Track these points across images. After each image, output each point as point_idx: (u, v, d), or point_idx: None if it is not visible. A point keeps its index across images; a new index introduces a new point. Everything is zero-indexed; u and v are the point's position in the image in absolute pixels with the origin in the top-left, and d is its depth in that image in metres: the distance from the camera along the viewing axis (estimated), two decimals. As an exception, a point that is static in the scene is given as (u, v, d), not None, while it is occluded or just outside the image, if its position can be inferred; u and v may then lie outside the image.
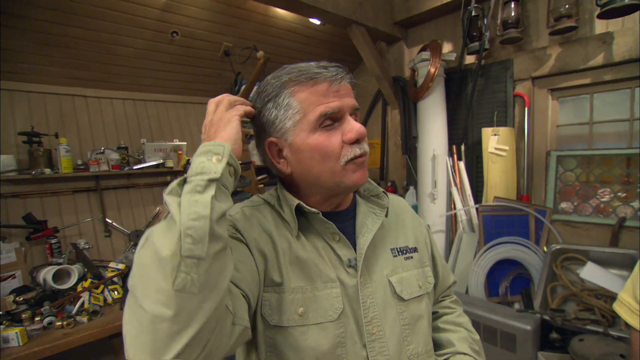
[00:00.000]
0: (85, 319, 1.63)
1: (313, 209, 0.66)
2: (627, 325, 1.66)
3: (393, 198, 0.84)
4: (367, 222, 0.73)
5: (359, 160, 0.65)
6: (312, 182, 0.68)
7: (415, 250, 0.79)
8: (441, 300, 0.90)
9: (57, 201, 2.29)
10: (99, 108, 2.53)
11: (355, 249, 0.70)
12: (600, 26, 2.04)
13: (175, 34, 2.38)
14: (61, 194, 2.30)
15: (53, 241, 2.12)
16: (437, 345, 0.82)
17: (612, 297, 1.81)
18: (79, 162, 2.31)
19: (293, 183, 0.72)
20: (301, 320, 0.63)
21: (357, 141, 0.65)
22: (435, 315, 0.87)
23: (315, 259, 0.67)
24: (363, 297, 0.67)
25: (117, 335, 2.09)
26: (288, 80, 0.65)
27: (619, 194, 2.09)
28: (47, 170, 2.12)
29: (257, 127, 0.71)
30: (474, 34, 2.34)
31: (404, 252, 0.77)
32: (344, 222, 0.72)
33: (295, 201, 0.67)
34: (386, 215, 0.75)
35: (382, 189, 0.77)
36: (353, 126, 0.64)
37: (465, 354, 0.78)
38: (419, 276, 0.76)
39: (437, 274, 0.86)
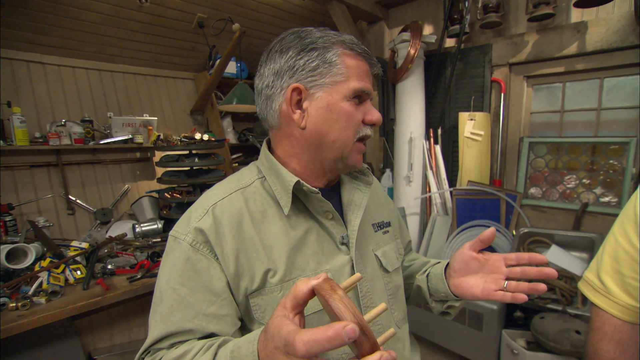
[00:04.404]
0: (43, 300, 1.54)
1: (313, 189, 0.65)
2: (583, 303, 1.77)
3: None
4: (355, 199, 0.74)
5: (362, 147, 0.69)
6: (323, 146, 0.65)
7: (389, 224, 0.82)
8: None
9: (11, 176, 2.12)
10: (59, 77, 2.35)
11: (345, 226, 0.71)
12: (576, 15, 2.07)
13: (144, 0, 2.21)
14: (16, 169, 2.13)
15: (7, 218, 1.98)
16: (415, 272, 0.87)
17: (572, 277, 1.90)
18: (37, 134, 2.15)
19: (293, 142, 0.67)
20: None
21: (372, 125, 0.68)
22: (404, 267, 0.92)
23: (305, 244, 0.66)
24: (357, 273, 0.68)
25: (80, 316, 2.01)
26: (340, 42, 0.65)
27: (584, 180, 2.17)
28: None
29: (280, 68, 0.64)
30: (455, 16, 2.33)
31: (382, 226, 0.80)
32: (331, 198, 0.71)
33: (294, 179, 0.64)
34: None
35: (366, 165, 0.77)
36: (375, 112, 0.68)
37: (439, 261, 0.84)
38: (395, 249, 0.81)
39: (402, 241, 0.91)
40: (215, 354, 0.52)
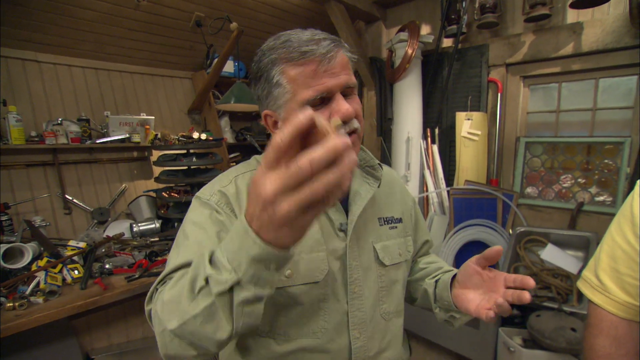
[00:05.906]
0: (40, 300, 1.53)
1: None
2: (579, 301, 1.78)
3: (386, 170, 0.88)
4: (361, 191, 0.77)
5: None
6: None
7: (400, 221, 0.84)
8: (422, 256, 0.98)
9: (7, 175, 2.11)
10: (56, 75, 2.33)
11: (347, 215, 0.75)
12: (572, 16, 2.09)
13: (141, -1, 2.20)
14: (12, 168, 2.12)
15: (3, 218, 1.96)
16: (426, 276, 0.89)
17: (567, 276, 1.92)
18: (33, 133, 2.13)
19: None
20: (288, 281, 0.68)
21: (344, 122, 0.64)
22: (419, 268, 0.93)
23: None
24: (349, 260, 0.73)
25: (78, 316, 2.00)
26: (278, 58, 0.64)
27: (579, 180, 2.19)
28: (-5, 141, 1.94)
29: (255, 96, 0.73)
30: (452, 16, 2.34)
31: (390, 222, 0.82)
32: None
33: None
34: (378, 186, 0.79)
35: (377, 161, 0.81)
36: (340, 107, 0.63)
37: (452, 270, 0.85)
38: (401, 245, 0.83)
39: (417, 240, 0.92)
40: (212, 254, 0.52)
